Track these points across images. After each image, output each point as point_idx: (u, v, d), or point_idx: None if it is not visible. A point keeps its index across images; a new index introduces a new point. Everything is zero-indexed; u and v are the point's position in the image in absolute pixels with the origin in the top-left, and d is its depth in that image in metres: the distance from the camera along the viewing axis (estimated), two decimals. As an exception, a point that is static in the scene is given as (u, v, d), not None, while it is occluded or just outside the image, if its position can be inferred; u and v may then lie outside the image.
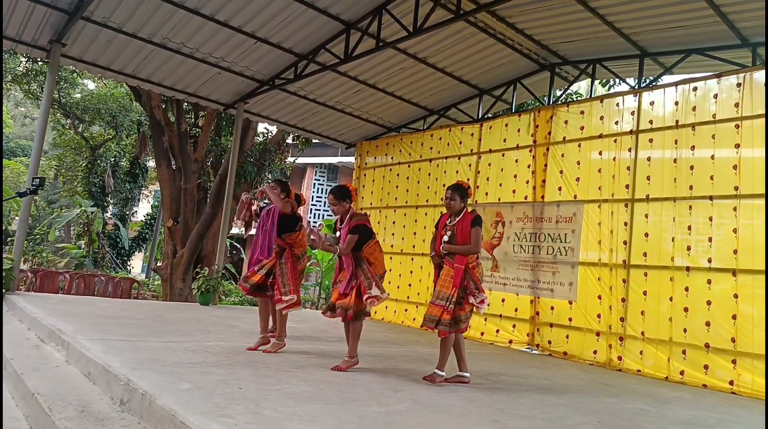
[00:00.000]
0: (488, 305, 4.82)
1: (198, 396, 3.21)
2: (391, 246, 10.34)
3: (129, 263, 21.08)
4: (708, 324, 6.17)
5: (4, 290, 7.59)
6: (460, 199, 4.75)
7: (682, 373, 6.24)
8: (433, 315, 4.52)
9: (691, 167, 6.63)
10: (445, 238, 4.69)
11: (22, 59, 15.80)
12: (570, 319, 7.51)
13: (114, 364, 3.77)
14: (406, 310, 9.87)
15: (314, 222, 24.74)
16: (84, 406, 3.30)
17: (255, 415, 2.95)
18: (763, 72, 6.22)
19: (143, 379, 3.42)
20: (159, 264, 15.14)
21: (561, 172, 7.98)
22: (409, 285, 9.89)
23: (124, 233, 20.15)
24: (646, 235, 6.96)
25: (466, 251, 4.58)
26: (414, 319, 9.44)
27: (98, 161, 19.55)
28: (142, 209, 24.59)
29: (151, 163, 19.17)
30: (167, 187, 13.48)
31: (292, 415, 3.04)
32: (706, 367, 6.10)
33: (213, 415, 2.86)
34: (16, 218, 20.83)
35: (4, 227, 24.51)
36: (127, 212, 21.21)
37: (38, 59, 14.34)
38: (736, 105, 6.38)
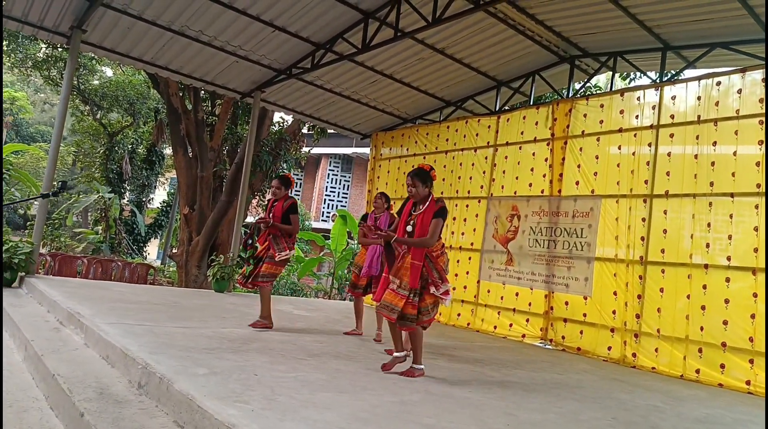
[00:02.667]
0: (450, 302, 4.42)
1: (214, 381, 3.25)
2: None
3: (145, 249, 21.30)
4: (725, 323, 6.10)
5: (24, 273, 7.73)
6: (422, 184, 4.33)
7: (697, 371, 6.18)
8: (395, 304, 4.17)
9: (713, 163, 6.53)
10: (409, 228, 4.32)
11: (43, 45, 15.94)
12: (584, 315, 7.47)
13: (132, 347, 3.82)
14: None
15: (327, 212, 24.81)
16: (103, 389, 3.35)
17: (270, 402, 2.98)
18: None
19: (161, 363, 3.46)
20: (174, 251, 15.30)
21: (579, 166, 7.90)
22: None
23: (141, 220, 20.35)
24: (665, 231, 6.88)
25: (421, 244, 4.22)
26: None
27: (116, 148, 19.73)
28: (159, 196, 24.84)
29: (168, 151, 19.31)
30: (183, 175, 13.58)
31: (306, 402, 3.06)
32: (722, 366, 6.04)
33: (229, 400, 2.89)
34: (36, 203, 21.14)
35: (23, 212, 24.89)
36: (144, 199, 21.41)
37: (58, 45, 14.46)
38: (761, 101, 6.26)
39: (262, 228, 5.92)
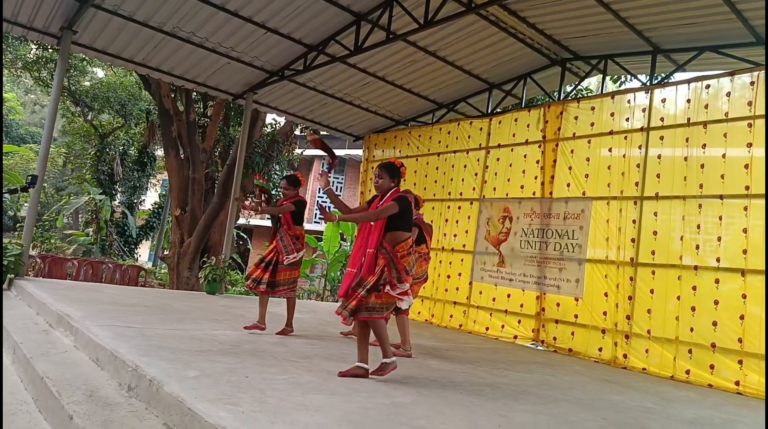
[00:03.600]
0: (409, 304, 4.25)
1: (205, 384, 3.23)
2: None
3: (136, 251, 21.20)
4: (715, 324, 6.14)
5: (13, 275, 7.66)
6: (389, 178, 4.28)
7: (687, 372, 6.22)
8: (347, 301, 4.07)
9: (702, 166, 6.59)
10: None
11: (33, 46, 15.84)
12: (576, 316, 7.50)
13: (122, 350, 3.80)
14: (411, 303, 9.87)
15: (320, 214, 24.76)
16: (92, 391, 3.33)
17: (261, 404, 2.97)
18: (777, 71, 6.16)
19: (151, 365, 3.45)
20: (166, 252, 15.23)
21: (570, 168, 7.94)
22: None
23: (132, 221, 20.25)
24: (655, 233, 6.93)
25: (364, 218, 4.16)
26: (419, 313, 9.46)
27: (107, 149, 19.62)
28: (150, 198, 24.70)
29: (160, 152, 19.22)
30: (175, 177, 13.53)
31: (297, 405, 3.05)
32: (712, 366, 6.08)
33: (220, 402, 2.88)
34: (26, 205, 20.99)
35: (13, 213, 24.70)
36: (135, 200, 21.30)
37: (49, 46, 14.38)
38: (749, 104, 6.32)
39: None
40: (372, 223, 4.20)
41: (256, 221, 20.75)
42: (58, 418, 3.09)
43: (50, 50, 15.15)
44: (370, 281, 4.03)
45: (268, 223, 23.00)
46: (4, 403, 3.45)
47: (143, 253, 25.08)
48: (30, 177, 4.87)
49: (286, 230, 5.84)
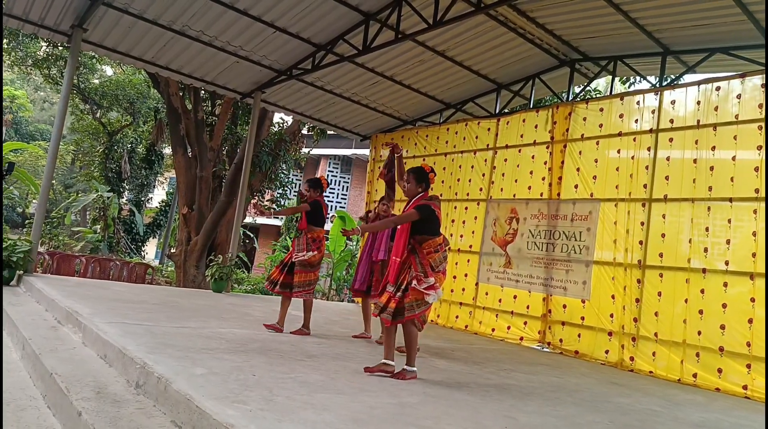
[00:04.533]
0: (439, 297, 4.23)
1: (213, 381, 3.24)
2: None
3: (143, 249, 21.28)
4: (723, 327, 6.11)
5: (22, 271, 7.72)
6: (416, 182, 4.33)
7: (695, 375, 6.19)
8: (381, 302, 4.20)
9: (711, 168, 6.55)
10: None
11: (43, 44, 15.93)
12: (582, 318, 7.47)
13: (130, 347, 3.82)
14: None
15: (329, 214, 24.80)
16: (100, 388, 3.35)
17: (269, 402, 2.98)
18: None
19: (159, 363, 3.46)
20: (173, 250, 15.27)
21: (578, 169, 7.92)
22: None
23: (139, 219, 20.34)
24: (663, 235, 6.89)
25: (383, 225, 4.27)
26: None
27: (115, 147, 19.72)
28: (158, 196, 24.81)
29: (168, 151, 19.29)
30: (183, 175, 13.58)
31: (304, 403, 3.06)
32: (719, 370, 6.05)
33: (227, 400, 2.89)
34: (34, 201, 21.14)
35: (22, 210, 24.88)
36: (143, 198, 21.39)
37: (59, 44, 14.46)
38: (760, 106, 6.28)
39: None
40: (399, 230, 4.27)
41: (262, 220, 20.79)
42: (67, 414, 3.11)
43: (60, 48, 15.23)
44: (401, 283, 4.15)
45: (275, 222, 23.06)
46: (13, 399, 3.48)
47: (150, 250, 25.18)
48: (8, 164, 4.90)
49: (305, 231, 5.86)
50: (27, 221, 20.81)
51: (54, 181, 23.13)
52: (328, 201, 25.41)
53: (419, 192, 4.36)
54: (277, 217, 21.29)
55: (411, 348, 4.23)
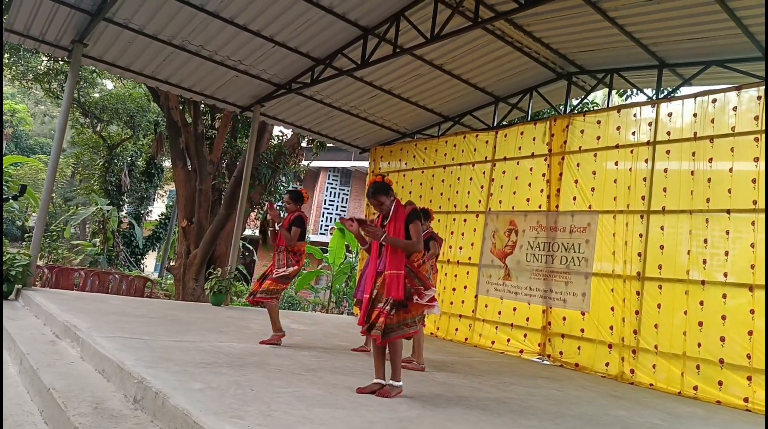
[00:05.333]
0: (439, 309, 4.10)
1: (210, 396, 3.23)
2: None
3: (143, 262, 21.26)
4: (723, 339, 6.09)
5: (20, 285, 7.70)
6: (386, 195, 4.14)
7: (695, 388, 6.16)
8: (373, 320, 3.95)
9: (709, 180, 6.57)
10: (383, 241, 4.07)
11: (44, 58, 16.04)
12: (582, 330, 7.45)
13: (128, 362, 3.81)
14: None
15: (326, 225, 24.81)
16: (98, 403, 3.34)
17: (266, 417, 2.96)
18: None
19: (156, 377, 3.45)
20: (172, 263, 15.26)
21: (576, 181, 7.94)
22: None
23: (139, 232, 20.34)
24: (662, 247, 6.90)
25: (409, 246, 4.00)
26: (424, 326, 9.41)
27: (115, 160, 19.78)
28: (157, 209, 24.82)
29: (167, 164, 19.35)
30: (182, 188, 13.60)
31: (302, 418, 3.05)
32: (720, 383, 6.02)
33: (225, 415, 2.88)
34: (34, 215, 21.15)
35: (21, 223, 24.86)
36: (142, 211, 21.41)
37: (59, 59, 14.56)
38: (756, 118, 6.32)
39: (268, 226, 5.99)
40: (383, 245, 4.09)
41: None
42: (64, 429, 3.09)
43: (61, 62, 15.34)
44: (393, 299, 3.91)
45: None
46: (11, 414, 3.47)
47: (150, 263, 25.15)
48: (21, 186, 4.94)
49: (285, 247, 5.84)
50: (26, 235, 20.79)
51: (54, 195, 23.13)
52: (328, 213, 25.44)
53: (392, 200, 4.19)
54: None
55: (396, 363, 4.03)
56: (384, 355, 4.09)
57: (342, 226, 4.29)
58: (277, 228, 5.79)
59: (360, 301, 6.05)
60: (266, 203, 5.90)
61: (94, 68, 13.31)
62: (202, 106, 13.56)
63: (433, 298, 4.06)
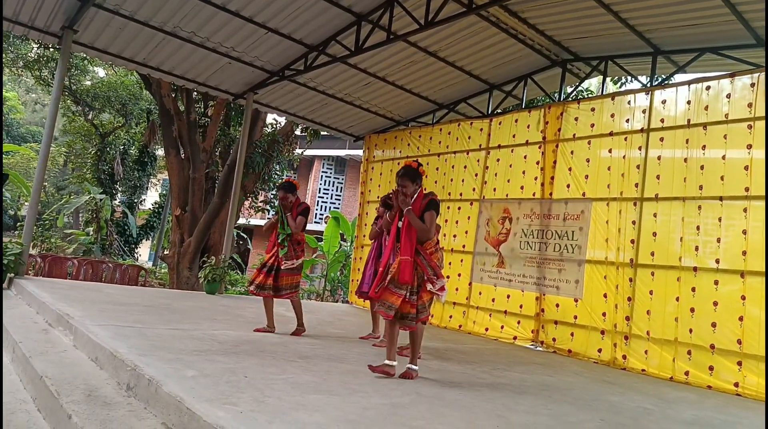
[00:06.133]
0: (445, 295, 4.32)
1: (204, 383, 3.24)
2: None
3: (136, 251, 21.20)
4: (714, 325, 6.14)
5: (13, 274, 7.67)
6: (412, 183, 4.33)
7: (686, 373, 6.22)
8: (392, 303, 4.14)
9: (702, 167, 6.59)
10: (399, 224, 4.32)
11: (34, 45, 15.85)
12: (575, 317, 7.50)
13: (121, 349, 3.81)
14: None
15: (321, 214, 24.79)
16: (91, 391, 3.33)
17: (260, 404, 2.97)
18: (777, 72, 6.16)
19: (150, 365, 3.45)
20: (166, 252, 15.23)
21: (570, 169, 7.94)
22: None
23: (132, 221, 20.26)
24: (654, 234, 6.93)
25: (422, 229, 4.17)
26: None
27: (107, 149, 19.63)
28: (150, 197, 24.72)
29: (160, 152, 19.23)
30: (176, 176, 13.54)
31: (296, 405, 3.05)
32: (711, 368, 6.08)
33: (218, 402, 2.88)
34: (26, 204, 21.00)
35: (13, 212, 24.72)
36: (136, 200, 21.31)
37: (50, 45, 14.39)
38: (750, 105, 6.32)
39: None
40: (403, 229, 4.25)
41: (256, 221, 20.76)
42: (57, 417, 3.09)
43: (51, 49, 15.16)
44: (413, 286, 4.17)
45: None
46: (4, 403, 3.46)
47: (143, 252, 25.10)
48: (2, 175, 4.89)
49: (289, 236, 5.82)
50: (18, 224, 20.70)
51: (46, 183, 23.01)
52: (322, 202, 25.42)
53: (417, 189, 4.37)
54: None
55: (417, 346, 4.36)
56: (397, 337, 4.32)
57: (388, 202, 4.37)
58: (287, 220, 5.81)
59: (364, 293, 6.07)
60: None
61: (85, 55, 13.14)
62: (195, 93, 13.46)
63: (443, 287, 4.25)
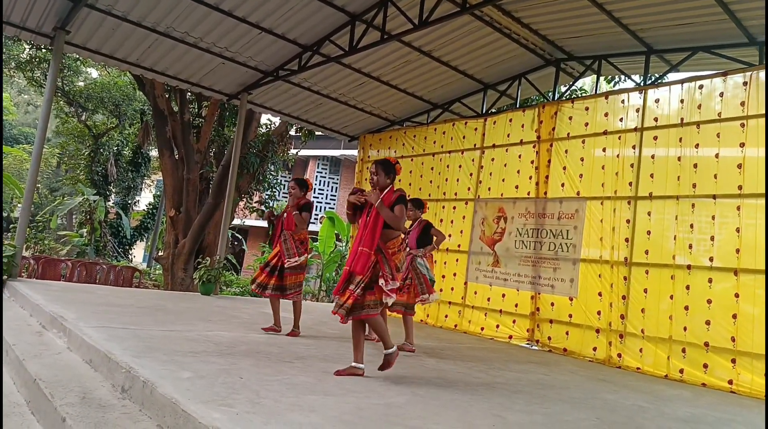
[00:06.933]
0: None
1: (199, 385, 3.22)
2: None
3: (130, 252, 21.11)
4: (708, 323, 6.17)
5: (6, 276, 7.62)
6: (385, 174, 4.31)
7: (681, 371, 6.25)
8: (342, 301, 4.09)
9: (695, 165, 6.62)
10: (367, 217, 4.26)
11: (26, 46, 15.76)
12: (570, 316, 7.52)
13: (115, 351, 3.79)
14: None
15: (315, 214, 24.75)
16: (85, 393, 3.31)
17: (255, 405, 2.96)
18: (769, 71, 6.19)
19: (144, 367, 3.43)
20: (160, 253, 15.17)
21: (564, 168, 7.97)
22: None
23: (126, 222, 20.17)
24: (648, 232, 6.96)
25: (392, 219, 4.12)
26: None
27: (101, 150, 19.54)
28: (144, 198, 24.62)
29: (154, 153, 19.16)
30: (169, 177, 13.47)
31: (292, 405, 3.05)
32: (705, 365, 6.11)
33: (214, 404, 2.87)
34: (19, 205, 20.87)
35: (6, 214, 24.58)
36: (130, 201, 21.22)
37: (42, 46, 14.31)
38: (742, 104, 6.36)
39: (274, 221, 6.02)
40: (369, 222, 4.21)
41: (251, 222, 20.72)
42: (51, 420, 3.07)
43: (43, 50, 15.07)
44: (363, 279, 4.08)
45: (263, 223, 22.96)
46: (-3, 406, 3.43)
47: (138, 254, 24.99)
48: None
49: (291, 234, 5.83)
50: (11, 226, 20.55)
51: (39, 185, 22.87)
52: (317, 202, 25.38)
53: (388, 184, 4.33)
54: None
55: (382, 333, 4.18)
56: (362, 338, 4.25)
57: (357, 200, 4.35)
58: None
59: None
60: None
61: (77, 56, 13.07)
62: (189, 94, 13.41)
63: (395, 289, 4.16)
